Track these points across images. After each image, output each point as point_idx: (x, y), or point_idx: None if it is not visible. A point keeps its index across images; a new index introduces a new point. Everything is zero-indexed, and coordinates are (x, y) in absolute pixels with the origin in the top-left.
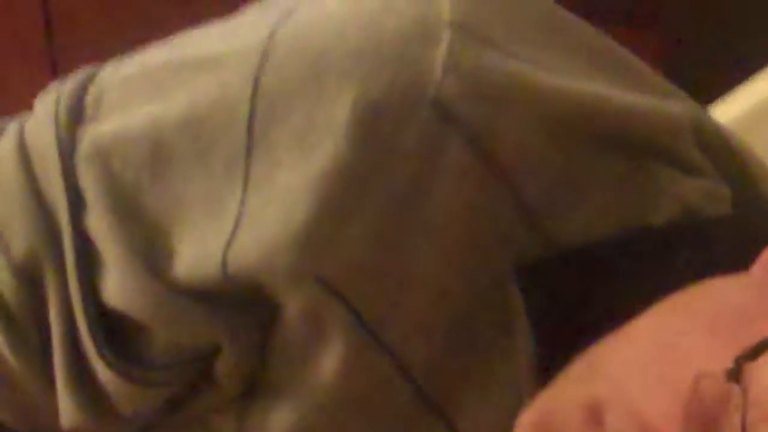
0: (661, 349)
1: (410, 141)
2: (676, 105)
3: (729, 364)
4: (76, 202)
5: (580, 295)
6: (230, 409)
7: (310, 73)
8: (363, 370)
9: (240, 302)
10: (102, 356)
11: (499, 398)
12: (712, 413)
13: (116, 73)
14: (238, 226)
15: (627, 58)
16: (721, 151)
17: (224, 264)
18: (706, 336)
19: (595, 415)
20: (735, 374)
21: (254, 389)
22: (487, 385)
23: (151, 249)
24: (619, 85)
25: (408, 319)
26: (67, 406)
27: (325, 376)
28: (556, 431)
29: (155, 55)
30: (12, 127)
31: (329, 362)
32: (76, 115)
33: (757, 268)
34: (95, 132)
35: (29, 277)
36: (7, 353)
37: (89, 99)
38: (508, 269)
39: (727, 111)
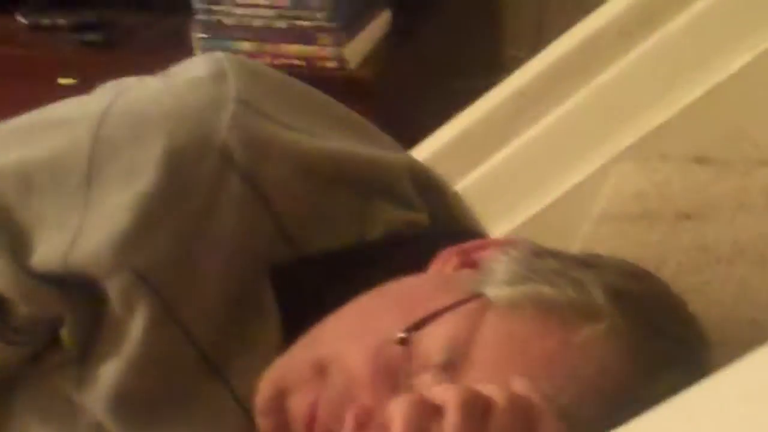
0: (361, 319)
1: (203, 176)
2: (397, 156)
3: (402, 333)
4: None
5: (315, 291)
6: (71, 368)
7: (134, 127)
8: (160, 338)
9: (78, 287)
10: None
11: (261, 364)
12: (389, 368)
13: None
14: (78, 233)
15: (363, 122)
16: (428, 188)
17: (65, 259)
18: (392, 310)
19: (320, 369)
20: (404, 340)
21: (89, 353)
22: (252, 352)
23: (15, 245)
24: (357, 142)
25: (197, 300)
26: None
27: (133, 342)
28: (291, 384)
29: (24, 118)
30: None
31: (135, 331)
32: None
33: (432, 266)
34: None
35: None
36: None
37: None
38: (265, 270)
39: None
